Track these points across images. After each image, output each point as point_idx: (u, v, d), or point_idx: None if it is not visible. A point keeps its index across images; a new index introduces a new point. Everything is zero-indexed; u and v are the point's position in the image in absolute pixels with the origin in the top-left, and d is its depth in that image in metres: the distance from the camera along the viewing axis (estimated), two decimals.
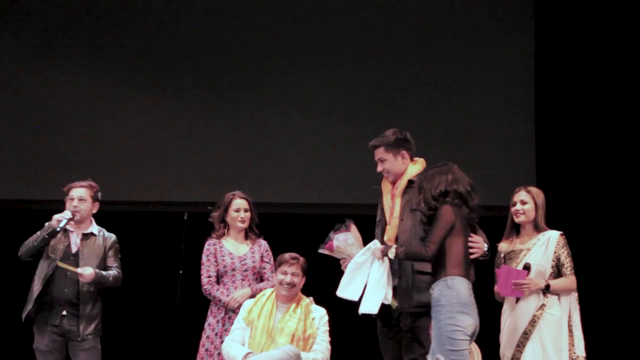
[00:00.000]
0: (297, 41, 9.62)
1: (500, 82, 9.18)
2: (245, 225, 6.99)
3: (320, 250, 5.71)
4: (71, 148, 9.78)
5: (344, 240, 5.62)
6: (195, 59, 9.76)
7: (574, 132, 8.87)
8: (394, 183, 5.84)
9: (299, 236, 8.14)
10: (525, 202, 6.26)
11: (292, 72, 9.60)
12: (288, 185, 9.42)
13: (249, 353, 6.27)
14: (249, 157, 9.55)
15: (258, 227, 7.10)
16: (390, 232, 5.68)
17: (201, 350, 6.78)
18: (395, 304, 5.60)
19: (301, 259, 6.54)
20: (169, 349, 8.27)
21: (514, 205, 6.29)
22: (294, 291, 6.48)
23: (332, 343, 6.49)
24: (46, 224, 6.67)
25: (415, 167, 5.85)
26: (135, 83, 9.74)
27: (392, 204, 5.77)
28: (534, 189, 6.34)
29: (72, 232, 6.77)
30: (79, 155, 9.70)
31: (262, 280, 6.92)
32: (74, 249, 6.72)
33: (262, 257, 6.96)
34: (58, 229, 6.59)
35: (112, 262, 6.80)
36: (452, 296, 5.25)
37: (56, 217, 6.64)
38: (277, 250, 6.83)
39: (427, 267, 5.50)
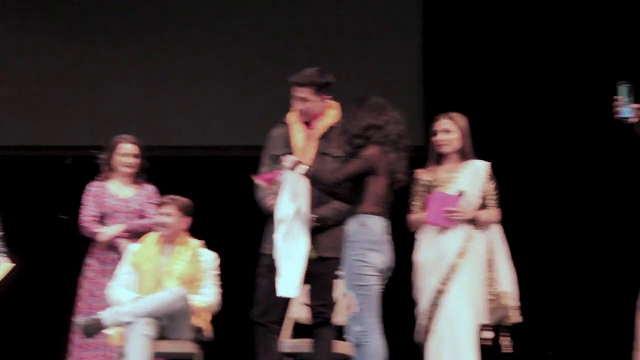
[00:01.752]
0: None
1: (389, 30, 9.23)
2: (132, 170, 6.90)
3: (256, 177, 5.51)
4: None
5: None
6: None
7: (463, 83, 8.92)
8: (306, 123, 5.72)
9: (192, 180, 8.10)
10: (449, 131, 5.87)
11: (178, 9, 9.41)
12: (180, 127, 9.25)
13: (137, 297, 6.17)
14: (138, 98, 9.29)
15: (149, 171, 6.97)
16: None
17: (80, 292, 6.71)
18: (314, 254, 5.47)
19: (181, 200, 6.41)
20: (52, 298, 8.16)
21: (436, 134, 5.89)
22: (168, 231, 6.36)
23: (223, 287, 6.42)
24: None
25: (333, 111, 5.73)
26: (9, 21, 9.34)
27: (304, 144, 5.66)
28: (455, 115, 5.91)
29: None
30: None
31: None
32: None
33: (148, 199, 6.87)
34: None
35: None
36: (365, 233, 5.21)
37: None
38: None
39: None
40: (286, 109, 5.86)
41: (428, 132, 5.97)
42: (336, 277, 5.64)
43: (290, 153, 5.62)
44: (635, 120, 4.75)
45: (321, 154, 5.62)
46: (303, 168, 5.31)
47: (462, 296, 5.67)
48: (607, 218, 8.61)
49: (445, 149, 5.85)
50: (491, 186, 5.85)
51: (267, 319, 5.65)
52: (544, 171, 8.73)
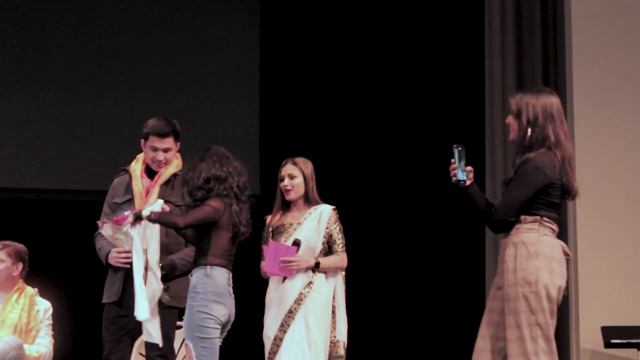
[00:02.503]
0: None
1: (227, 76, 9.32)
2: None
3: (106, 222, 5.36)
4: None
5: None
6: None
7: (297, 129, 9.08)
8: (147, 171, 5.72)
9: (28, 224, 7.93)
10: (294, 176, 5.89)
11: (20, 51, 9.25)
12: (18, 169, 9.09)
13: None
14: None
15: None
16: None
17: None
18: (165, 297, 5.39)
19: (13, 245, 6.29)
20: None
21: (282, 180, 5.89)
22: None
23: (55, 337, 6.33)
24: None
25: (176, 161, 5.71)
26: None
27: (147, 190, 5.62)
28: (300, 160, 5.91)
29: None
30: None
31: None
32: None
33: None
34: None
35: None
36: (209, 284, 5.19)
37: None
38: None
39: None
40: (128, 156, 5.85)
41: (265, 180, 6.04)
42: (176, 327, 5.64)
43: (131, 201, 5.61)
44: (469, 182, 4.90)
45: (165, 201, 5.51)
46: (147, 211, 5.26)
47: (298, 343, 5.69)
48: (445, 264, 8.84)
49: (290, 195, 5.89)
50: (336, 231, 5.87)
51: None
52: (387, 215, 8.91)
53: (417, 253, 8.77)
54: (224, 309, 5.23)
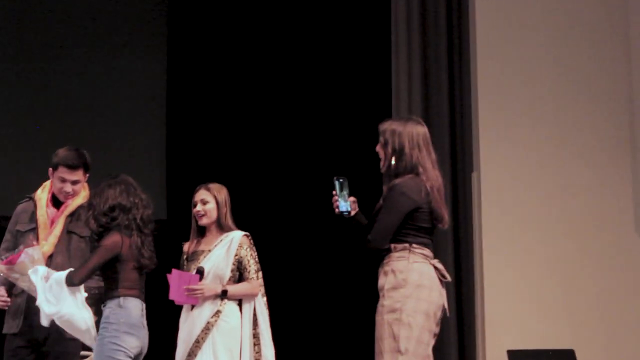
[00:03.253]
0: None
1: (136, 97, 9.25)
2: None
3: None
4: None
5: (32, 255, 5.18)
6: None
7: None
8: (53, 200, 5.61)
9: None
10: (207, 202, 5.88)
11: None
12: None
13: None
14: None
15: None
16: (45, 248, 5.40)
17: None
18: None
19: None
20: None
21: (195, 206, 5.89)
22: None
23: None
24: None
25: (85, 192, 5.59)
26: None
27: (52, 220, 5.52)
28: (214, 186, 5.92)
29: None
30: None
31: None
32: None
33: None
34: None
35: None
36: (122, 316, 5.10)
37: None
38: None
39: None
40: (33, 183, 5.75)
41: (171, 205, 6.01)
42: (79, 357, 5.54)
43: (35, 229, 5.50)
44: (354, 212, 4.96)
45: (68, 232, 5.51)
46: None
47: None
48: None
49: (203, 221, 5.87)
50: (247, 257, 5.84)
51: None
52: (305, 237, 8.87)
53: (340, 272, 8.78)
54: (135, 341, 5.14)
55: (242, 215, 6.10)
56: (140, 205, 5.27)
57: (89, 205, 5.29)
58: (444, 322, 5.01)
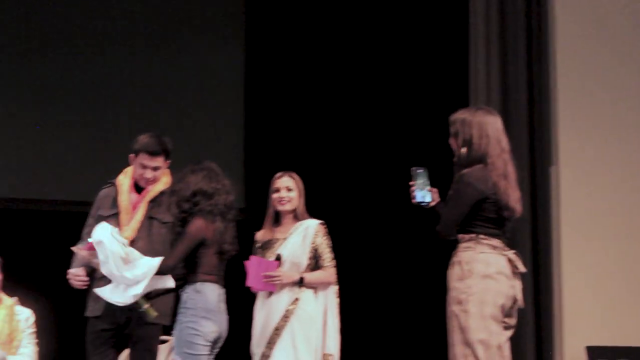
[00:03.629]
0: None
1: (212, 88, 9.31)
2: None
3: (80, 249, 5.31)
4: None
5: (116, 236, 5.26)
6: None
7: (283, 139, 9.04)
8: (135, 186, 5.67)
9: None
10: (291, 189, 5.89)
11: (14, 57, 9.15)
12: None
13: None
14: None
15: None
16: (127, 233, 5.46)
17: None
18: (152, 312, 5.32)
19: None
20: None
21: (277, 191, 5.90)
22: None
23: (39, 344, 6.28)
24: None
25: (165, 177, 5.65)
26: None
27: (134, 205, 5.58)
28: (295, 175, 5.96)
29: None
30: None
31: None
32: None
33: None
34: None
35: None
36: (199, 301, 5.16)
37: None
38: None
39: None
40: (112, 169, 5.81)
41: (250, 193, 6.03)
42: (160, 342, 5.59)
43: (117, 215, 5.56)
44: (434, 203, 5.00)
45: (149, 218, 5.56)
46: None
47: (284, 359, 5.67)
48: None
49: (286, 206, 5.89)
50: (323, 245, 5.86)
51: None
52: (378, 228, 8.84)
53: (409, 265, 8.73)
54: (213, 326, 5.19)
55: (315, 204, 6.12)
56: (223, 192, 5.31)
57: (172, 191, 5.36)
58: (520, 317, 4.98)
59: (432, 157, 5.77)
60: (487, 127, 4.91)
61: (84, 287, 5.47)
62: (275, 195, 5.91)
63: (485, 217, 4.85)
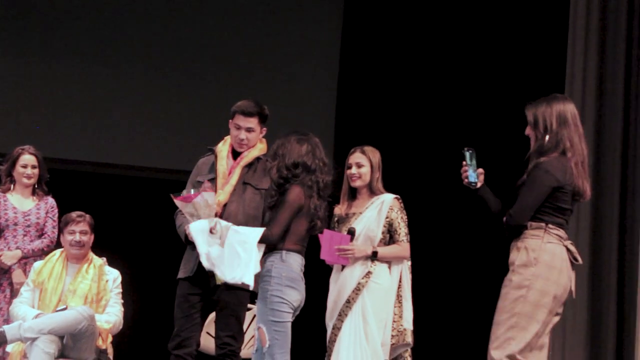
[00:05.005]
0: None
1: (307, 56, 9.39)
2: (32, 182, 6.82)
3: (175, 198, 5.32)
4: None
5: (206, 200, 5.27)
6: None
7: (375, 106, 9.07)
8: (233, 153, 5.73)
9: (92, 197, 8.00)
10: (362, 165, 5.91)
11: (102, 27, 9.28)
12: (85, 141, 9.11)
13: (40, 314, 6.07)
14: (47, 107, 9.12)
15: (49, 183, 6.90)
16: (221, 197, 5.55)
17: None
18: (218, 280, 5.36)
19: (87, 216, 6.39)
20: None
21: (350, 168, 5.93)
22: (84, 250, 6.33)
23: (125, 305, 6.40)
24: None
25: (261, 144, 5.73)
26: None
27: (229, 171, 5.66)
28: (369, 149, 5.96)
29: None
30: None
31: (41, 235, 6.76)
32: None
33: (46, 212, 6.78)
34: None
35: None
36: (284, 269, 5.18)
37: None
38: (68, 209, 6.60)
39: None
40: (210, 139, 5.90)
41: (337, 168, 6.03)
42: (246, 308, 5.66)
43: (214, 180, 5.64)
44: (480, 185, 5.01)
45: (244, 183, 5.64)
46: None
47: (355, 334, 5.70)
48: None
49: (356, 183, 5.92)
50: (398, 220, 5.86)
51: (184, 351, 5.59)
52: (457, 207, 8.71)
53: (485, 242, 8.67)
54: (297, 294, 5.22)
55: (398, 179, 6.10)
56: (324, 170, 5.31)
57: (274, 154, 5.31)
58: (603, 315, 4.95)
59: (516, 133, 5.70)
60: (565, 114, 4.93)
61: None
62: (347, 172, 5.94)
63: (557, 206, 4.87)
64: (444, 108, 9.02)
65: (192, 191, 5.35)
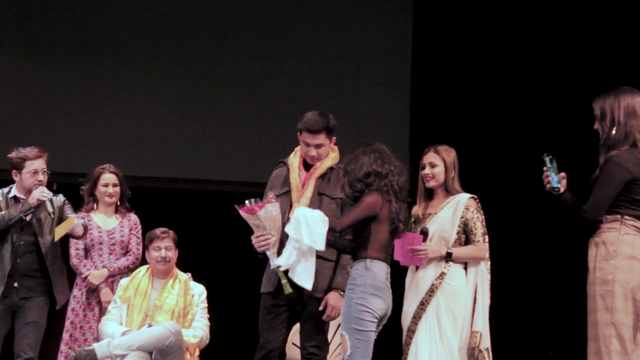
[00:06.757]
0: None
1: (379, 62, 9.38)
2: (114, 200, 6.92)
3: (239, 208, 5.41)
4: None
5: (270, 212, 5.39)
6: (52, 14, 9.33)
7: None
8: (305, 164, 5.78)
9: (174, 212, 8.12)
10: (435, 165, 5.85)
11: (177, 44, 9.44)
12: (162, 159, 9.27)
13: (127, 330, 6.19)
14: (124, 127, 9.29)
15: (131, 200, 7.01)
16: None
17: (66, 323, 6.71)
18: (289, 290, 5.43)
19: (171, 232, 6.51)
20: None
21: (423, 168, 5.86)
22: (169, 265, 6.44)
23: (211, 320, 6.48)
24: (23, 201, 6.29)
25: (333, 154, 5.76)
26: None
27: (303, 183, 5.71)
28: (443, 148, 5.89)
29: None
30: None
31: (126, 253, 6.86)
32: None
33: (130, 229, 6.89)
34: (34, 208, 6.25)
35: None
36: (368, 277, 5.21)
37: (37, 195, 6.25)
38: (150, 225, 6.74)
39: (329, 255, 5.47)
40: (284, 149, 5.94)
41: (414, 174, 6.03)
42: (331, 319, 5.66)
43: (288, 192, 5.68)
44: (563, 190, 5.01)
45: (319, 194, 5.66)
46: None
47: (430, 336, 5.66)
48: None
49: (430, 183, 5.87)
50: (473, 220, 5.79)
51: None
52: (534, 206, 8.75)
53: (564, 244, 8.61)
54: (381, 303, 5.24)
55: (482, 181, 6.06)
56: (395, 172, 5.34)
57: (345, 171, 5.39)
58: None
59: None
60: (634, 106, 4.91)
61: (267, 248, 5.48)
62: (421, 172, 5.91)
63: (632, 198, 4.86)
64: (521, 105, 8.98)
65: (254, 202, 5.40)
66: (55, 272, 6.43)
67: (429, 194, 5.93)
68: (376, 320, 5.24)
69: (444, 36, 9.22)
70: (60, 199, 6.45)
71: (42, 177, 6.38)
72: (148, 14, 9.38)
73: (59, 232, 6.27)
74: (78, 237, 6.51)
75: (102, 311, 6.61)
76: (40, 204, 6.25)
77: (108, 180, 6.88)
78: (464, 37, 9.16)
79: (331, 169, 5.72)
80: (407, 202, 5.41)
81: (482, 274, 5.80)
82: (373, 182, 5.29)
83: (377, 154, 5.36)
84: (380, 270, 5.26)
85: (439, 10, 9.27)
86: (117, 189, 6.90)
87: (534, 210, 8.67)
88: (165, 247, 6.41)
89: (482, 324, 5.75)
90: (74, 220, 6.31)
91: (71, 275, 6.76)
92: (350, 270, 5.31)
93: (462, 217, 5.77)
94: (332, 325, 5.83)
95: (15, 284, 6.33)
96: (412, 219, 5.90)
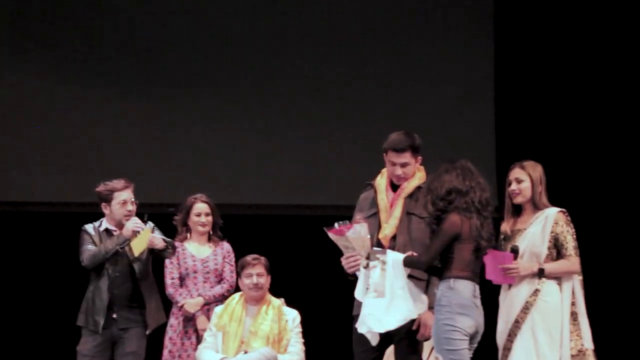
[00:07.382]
0: (257, 27, 9.55)
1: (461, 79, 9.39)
2: (207, 229, 7.01)
3: (328, 230, 5.46)
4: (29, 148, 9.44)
5: (359, 232, 5.42)
6: (147, 51, 9.51)
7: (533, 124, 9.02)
8: (391, 184, 5.81)
9: (265, 238, 8.20)
10: (521, 180, 5.80)
11: (261, 68, 9.53)
12: (252, 186, 9.36)
13: (224, 358, 6.27)
14: (217, 156, 9.42)
15: (224, 229, 7.09)
16: (387, 231, 5.61)
17: (165, 352, 6.80)
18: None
19: (262, 258, 6.58)
20: None
21: (510, 184, 5.83)
22: (262, 292, 6.50)
23: (305, 344, 6.53)
24: (118, 235, 6.45)
25: (420, 173, 5.77)
26: (81, 80, 9.43)
27: (391, 203, 5.74)
28: (529, 164, 5.85)
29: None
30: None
31: (221, 281, 6.93)
32: None
33: (223, 258, 6.97)
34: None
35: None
36: (453, 297, 5.24)
37: (131, 227, 6.40)
38: (242, 252, 6.81)
39: (421, 274, 5.46)
40: (370, 170, 5.95)
41: (502, 192, 6.00)
42: (425, 339, 5.67)
43: (377, 213, 5.70)
44: None
45: (408, 213, 5.66)
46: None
47: (526, 355, 5.59)
48: None
49: (517, 199, 5.81)
50: (565, 234, 5.72)
51: None
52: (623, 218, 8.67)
53: None
54: (469, 321, 5.25)
55: (567, 193, 6.00)
56: (478, 189, 5.35)
57: (428, 189, 5.44)
58: None
59: None
60: None
61: (357, 269, 5.52)
62: (508, 188, 5.86)
63: None
64: (607, 118, 8.86)
65: (341, 223, 5.44)
66: (150, 298, 6.52)
67: (517, 211, 5.87)
68: (466, 339, 5.25)
69: (526, 48, 9.15)
70: (149, 225, 6.52)
71: (131, 207, 6.50)
72: (234, 48, 9.51)
73: (136, 246, 6.32)
74: (168, 256, 6.57)
75: (199, 339, 6.68)
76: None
77: (200, 210, 6.97)
78: (546, 48, 9.09)
79: (419, 188, 5.71)
80: (493, 218, 5.37)
81: (577, 288, 5.73)
82: (454, 200, 5.31)
83: (459, 170, 5.39)
84: (465, 289, 5.27)
85: (521, 20, 9.20)
86: (210, 218, 6.99)
87: (626, 222, 8.56)
88: (257, 273, 6.48)
89: (589, 340, 5.67)
90: (149, 232, 6.37)
91: (167, 304, 6.85)
92: (436, 291, 5.33)
93: (552, 232, 5.71)
94: (427, 346, 5.82)
95: (114, 315, 6.45)
96: (502, 236, 5.86)
